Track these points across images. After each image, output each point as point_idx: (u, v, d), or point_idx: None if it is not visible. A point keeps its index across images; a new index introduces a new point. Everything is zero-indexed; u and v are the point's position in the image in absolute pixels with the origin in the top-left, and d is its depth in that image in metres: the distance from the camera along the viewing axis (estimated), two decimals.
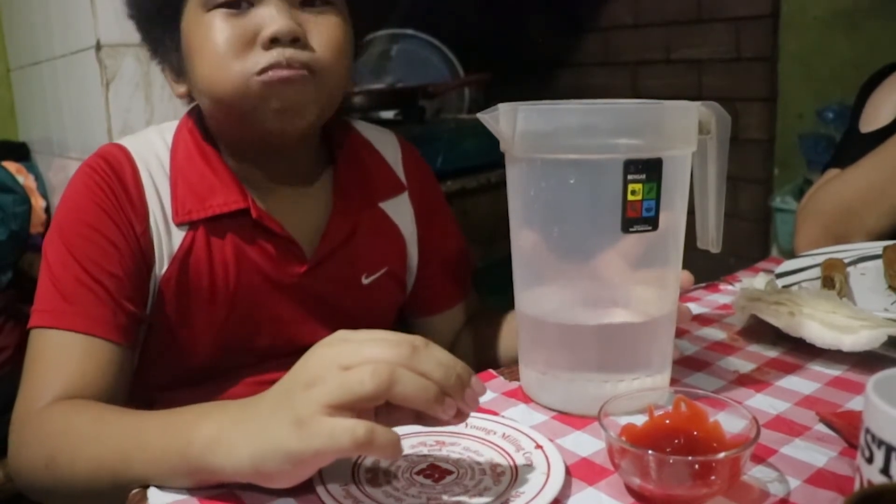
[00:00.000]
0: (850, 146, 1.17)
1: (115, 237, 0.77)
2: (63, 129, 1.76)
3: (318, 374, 0.51)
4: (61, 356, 0.73)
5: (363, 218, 0.90)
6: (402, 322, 1.03)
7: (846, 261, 0.95)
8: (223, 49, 0.74)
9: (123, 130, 1.41)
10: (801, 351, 0.77)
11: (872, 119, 1.17)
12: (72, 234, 0.77)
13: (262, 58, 0.74)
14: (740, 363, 0.77)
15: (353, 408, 0.49)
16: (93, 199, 0.78)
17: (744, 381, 0.73)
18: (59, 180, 1.89)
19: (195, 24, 0.77)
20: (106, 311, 0.75)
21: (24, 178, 1.94)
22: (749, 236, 2.19)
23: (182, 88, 0.83)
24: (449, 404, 0.51)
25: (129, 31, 1.37)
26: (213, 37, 0.75)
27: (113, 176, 0.79)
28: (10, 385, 1.55)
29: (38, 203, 1.94)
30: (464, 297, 1.02)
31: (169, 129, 0.86)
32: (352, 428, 0.48)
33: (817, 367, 0.75)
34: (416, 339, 0.52)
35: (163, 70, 0.85)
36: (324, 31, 0.77)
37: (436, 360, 0.51)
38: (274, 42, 0.74)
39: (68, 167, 1.77)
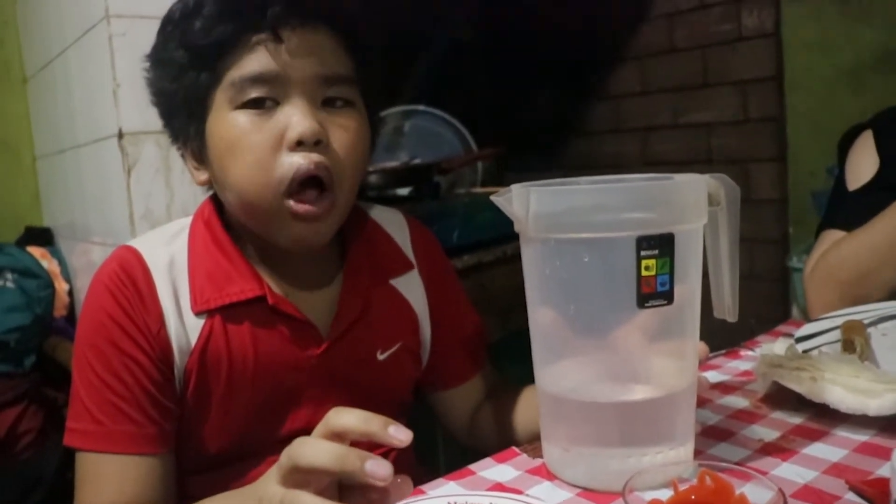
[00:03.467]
0: (842, 205, 1.18)
1: (135, 352, 0.80)
2: (86, 214, 1.80)
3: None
4: (100, 478, 0.78)
5: (374, 295, 0.92)
6: (419, 398, 1.03)
7: (866, 322, 0.95)
8: (254, 155, 0.77)
9: (145, 215, 1.44)
10: (826, 416, 0.77)
11: (856, 177, 1.19)
12: (95, 353, 0.80)
13: (288, 161, 0.77)
14: (764, 431, 0.77)
15: (296, 482, 0.57)
16: (109, 314, 0.80)
17: (769, 449, 0.72)
18: (82, 264, 1.92)
19: (221, 120, 0.79)
20: (138, 427, 0.79)
21: (48, 263, 1.98)
22: (767, 297, 2.17)
23: (203, 176, 0.86)
24: (369, 462, 0.55)
25: (149, 119, 1.43)
26: (243, 140, 0.78)
27: (127, 281, 0.81)
28: (36, 468, 1.57)
29: (62, 287, 1.97)
30: (479, 371, 1.02)
31: (183, 225, 0.89)
32: (280, 493, 0.57)
33: (844, 433, 0.74)
34: (330, 410, 0.59)
35: (182, 156, 0.88)
36: (344, 134, 0.81)
37: (348, 413, 0.58)
38: (299, 145, 0.77)
39: (91, 251, 1.80)
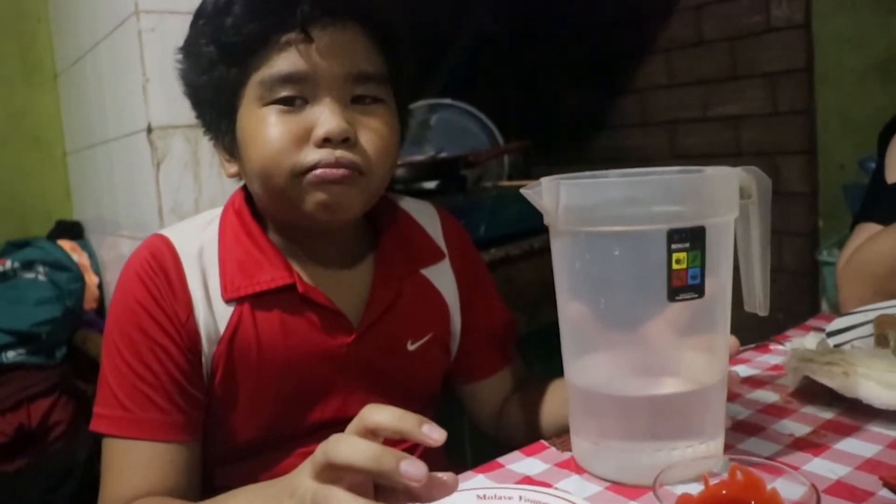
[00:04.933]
0: (881, 198, 1.16)
1: (164, 340, 0.80)
2: (115, 208, 1.82)
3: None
4: (126, 464, 0.79)
5: (406, 285, 0.92)
6: (447, 389, 1.03)
7: None
8: (277, 144, 0.78)
9: (173, 208, 1.45)
10: (859, 412, 0.76)
11: (895, 170, 1.16)
12: (124, 340, 0.81)
13: (313, 154, 0.77)
14: (795, 426, 0.76)
15: (330, 478, 0.56)
16: (139, 301, 0.81)
17: (800, 444, 0.72)
18: (112, 257, 1.94)
19: (251, 116, 0.80)
20: (164, 415, 0.80)
21: (79, 256, 2.00)
22: (796, 291, 2.15)
23: (233, 168, 0.86)
24: (404, 462, 0.53)
25: (178, 113, 1.45)
26: (268, 132, 0.78)
27: (157, 269, 0.82)
28: (66, 460, 1.59)
29: (92, 280, 2.00)
30: (508, 364, 1.02)
31: (214, 214, 0.90)
32: (313, 488, 0.56)
33: (877, 428, 0.73)
34: (365, 407, 0.58)
35: (215, 146, 0.89)
36: (373, 131, 0.81)
37: (382, 410, 0.56)
38: (326, 141, 0.77)
39: (120, 245, 1.82)
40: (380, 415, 0.56)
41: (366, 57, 0.82)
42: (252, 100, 0.80)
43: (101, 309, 2.02)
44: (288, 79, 0.78)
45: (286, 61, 0.78)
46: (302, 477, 0.58)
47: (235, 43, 0.79)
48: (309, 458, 0.58)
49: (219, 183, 1.48)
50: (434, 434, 0.55)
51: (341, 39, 0.79)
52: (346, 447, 0.54)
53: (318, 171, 0.78)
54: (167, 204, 1.46)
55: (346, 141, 0.78)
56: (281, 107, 0.79)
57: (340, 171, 0.78)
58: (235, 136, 0.83)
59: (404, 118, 0.89)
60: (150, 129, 1.44)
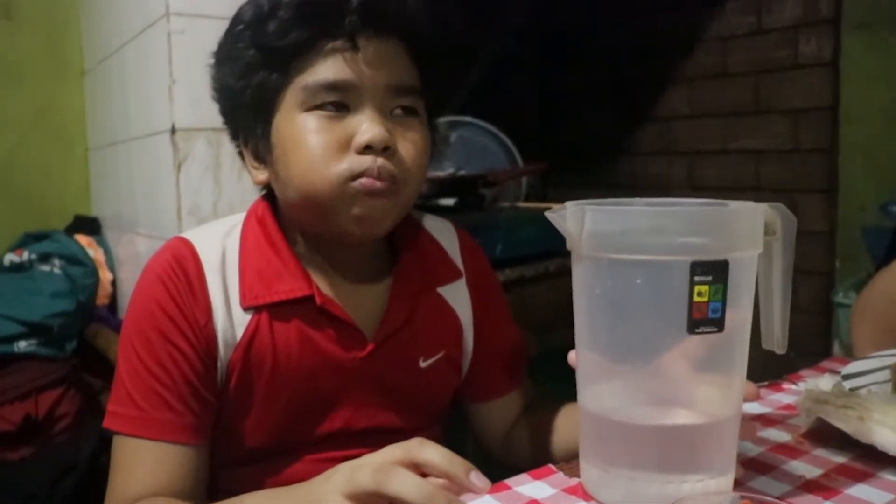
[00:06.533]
0: None
1: (181, 343, 0.81)
2: (134, 206, 1.83)
3: (335, 471, 0.61)
4: (136, 463, 0.79)
5: (421, 302, 0.92)
6: (456, 408, 1.03)
7: None
8: (320, 151, 0.78)
9: (192, 210, 1.46)
10: (872, 458, 0.75)
11: None
12: (141, 340, 0.81)
13: (356, 162, 0.78)
14: (806, 468, 0.75)
15: (360, 499, 0.57)
16: (160, 303, 0.82)
17: (811, 486, 0.71)
18: (127, 255, 1.95)
19: (290, 121, 0.80)
20: (177, 416, 0.80)
21: (94, 252, 2.02)
22: (809, 330, 2.14)
23: (262, 176, 0.86)
24: (452, 502, 0.55)
25: (202, 116, 1.45)
26: (310, 139, 0.79)
27: (179, 272, 0.83)
28: (70, 453, 1.59)
29: (106, 276, 2.01)
30: (518, 386, 1.02)
31: (236, 221, 0.90)
32: None
33: (890, 476, 0.72)
34: (414, 440, 0.60)
35: (240, 153, 0.89)
36: (410, 142, 0.82)
37: (435, 449, 0.58)
38: (367, 149, 0.78)
39: (136, 243, 1.83)
40: (431, 453, 0.57)
41: (406, 70, 0.83)
42: (293, 105, 0.80)
43: (113, 305, 2.03)
44: (333, 86, 0.79)
45: (331, 69, 0.79)
46: (331, 492, 0.58)
47: (280, 48, 0.79)
48: (339, 474, 0.59)
49: (238, 187, 1.49)
50: (479, 483, 0.57)
51: (385, 51, 0.80)
52: (400, 480, 0.55)
53: (364, 181, 0.78)
54: (186, 205, 1.47)
55: (386, 150, 0.79)
56: (323, 112, 0.79)
57: (383, 184, 0.79)
58: (270, 141, 0.83)
59: (434, 133, 0.90)
60: (173, 131, 1.45)
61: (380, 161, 0.78)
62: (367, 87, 0.79)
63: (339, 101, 0.79)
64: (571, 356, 0.70)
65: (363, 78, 0.79)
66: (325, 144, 0.78)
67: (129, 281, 1.96)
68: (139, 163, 1.75)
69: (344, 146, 0.79)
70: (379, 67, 0.80)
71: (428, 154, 0.86)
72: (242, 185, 1.48)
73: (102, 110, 2.09)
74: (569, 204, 0.64)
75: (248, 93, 0.82)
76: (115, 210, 2.04)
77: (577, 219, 0.64)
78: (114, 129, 1.96)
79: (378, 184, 0.78)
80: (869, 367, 0.93)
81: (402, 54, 0.82)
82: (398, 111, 0.82)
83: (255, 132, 0.85)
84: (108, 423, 0.81)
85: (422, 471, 0.57)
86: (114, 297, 2.04)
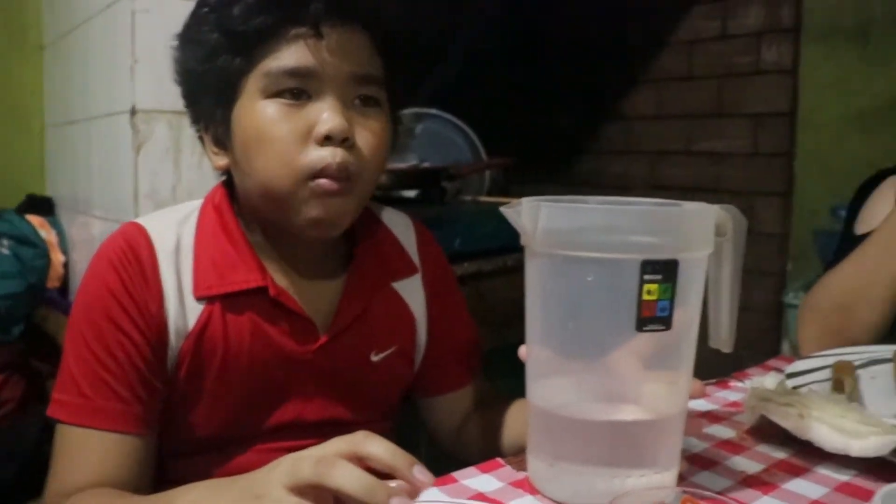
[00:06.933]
0: (846, 248, 1.18)
1: (131, 330, 0.79)
2: (90, 187, 1.79)
3: (279, 463, 0.59)
4: (80, 453, 0.77)
5: (376, 296, 0.92)
6: (409, 402, 1.03)
7: (856, 364, 0.95)
8: (280, 143, 0.78)
9: (149, 193, 1.44)
10: (810, 454, 0.77)
11: (868, 220, 1.19)
12: (90, 327, 0.80)
13: (315, 156, 0.77)
14: (748, 464, 0.77)
15: (302, 491, 0.56)
16: (111, 289, 0.80)
17: (751, 482, 0.73)
18: (81, 237, 1.92)
19: (251, 108, 0.80)
20: (124, 405, 0.78)
21: (47, 233, 1.97)
22: (761, 330, 2.18)
23: (222, 161, 0.85)
24: (393, 496, 0.55)
25: (163, 98, 1.43)
26: (271, 129, 0.78)
27: (132, 258, 0.81)
28: (13, 436, 1.56)
29: (58, 258, 1.96)
30: (471, 381, 1.02)
31: (193, 207, 0.89)
32: (290, 502, 0.56)
33: (825, 472, 0.75)
34: (359, 433, 0.59)
35: (200, 138, 0.88)
36: (370, 133, 0.81)
37: (379, 442, 0.57)
38: (327, 140, 0.77)
39: (91, 225, 1.80)
40: (374, 446, 0.57)
41: (370, 59, 0.82)
42: (254, 91, 0.79)
43: (64, 288, 1.99)
44: (295, 72, 0.78)
45: (294, 55, 0.78)
46: (272, 484, 0.57)
47: (243, 32, 0.78)
48: (281, 465, 0.58)
49: (198, 172, 1.47)
50: (423, 477, 0.56)
51: (349, 39, 0.80)
52: (343, 474, 0.55)
53: (322, 182, 0.78)
54: (144, 188, 1.44)
55: (345, 141, 0.78)
56: (284, 100, 0.79)
57: (339, 185, 0.78)
58: (230, 127, 0.82)
59: (395, 124, 0.89)
60: (133, 112, 1.42)
61: (339, 156, 0.78)
62: (328, 75, 0.79)
63: (300, 87, 0.78)
64: (522, 351, 0.71)
65: (325, 65, 0.78)
66: (285, 136, 0.78)
67: (82, 263, 1.92)
68: (97, 143, 1.72)
69: (304, 137, 0.78)
70: (342, 56, 0.79)
71: (388, 145, 0.85)
72: (202, 170, 1.46)
73: (62, 87, 2.05)
74: (524, 200, 0.65)
75: (211, 76, 0.81)
76: (71, 191, 2.00)
77: (532, 215, 0.64)
78: (73, 106, 1.92)
79: (335, 185, 0.78)
80: (812, 366, 0.96)
81: (366, 44, 0.82)
82: (360, 101, 0.82)
83: (215, 116, 0.83)
84: (52, 411, 0.79)
85: (366, 464, 0.57)
86: (66, 280, 1.99)
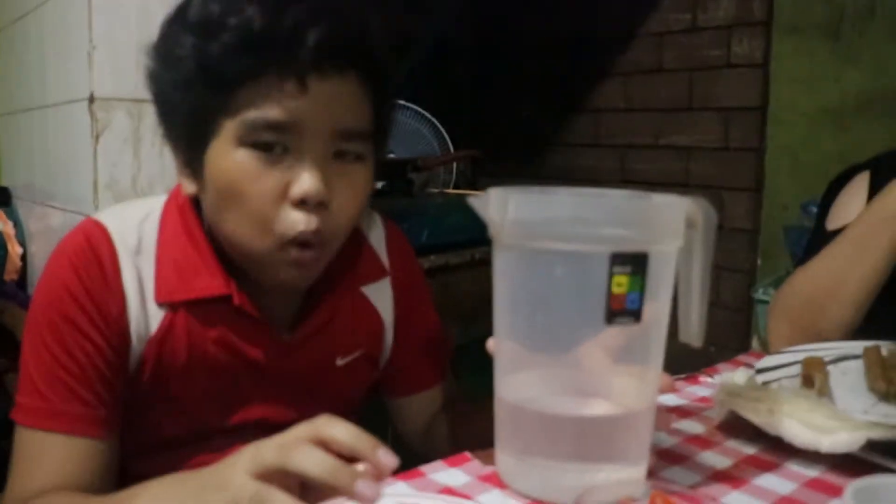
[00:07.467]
0: (818, 244, 1.18)
1: (91, 332, 0.77)
2: (49, 177, 1.75)
3: (241, 452, 0.58)
4: (41, 456, 0.75)
5: (343, 302, 0.90)
6: (376, 402, 1.02)
7: (827, 360, 0.95)
8: (254, 203, 0.74)
9: (109, 184, 1.40)
10: (779, 449, 0.76)
11: (840, 216, 1.19)
12: (49, 327, 0.77)
13: (289, 222, 0.74)
14: (718, 459, 0.76)
15: (267, 477, 0.55)
16: (69, 290, 0.77)
17: (720, 477, 0.72)
18: (39, 228, 1.88)
19: (226, 153, 0.74)
20: (85, 408, 0.76)
21: (3, 225, 1.93)
22: (730, 326, 2.19)
23: (192, 189, 0.81)
24: (358, 478, 0.53)
25: (122, 85, 1.40)
26: (246, 185, 0.74)
27: (92, 258, 0.78)
28: None
29: (15, 250, 1.93)
30: (438, 382, 1.01)
31: (156, 205, 0.85)
32: (253, 488, 0.54)
33: (794, 467, 0.74)
34: (322, 417, 0.57)
35: (175, 155, 0.83)
36: (349, 192, 0.77)
37: (342, 426, 0.56)
38: (302, 203, 0.73)
39: (49, 216, 1.76)
40: (336, 430, 0.56)
41: (356, 111, 0.77)
42: (229, 137, 0.74)
43: (22, 281, 1.95)
44: (275, 126, 0.72)
45: (276, 108, 0.72)
46: (236, 473, 0.56)
47: (221, 73, 0.72)
48: (244, 455, 0.57)
49: (159, 162, 1.44)
50: (386, 460, 0.55)
51: (336, 90, 0.74)
52: (306, 457, 0.54)
53: (294, 253, 0.75)
54: (103, 178, 1.41)
55: (320, 204, 0.74)
56: (259, 153, 0.73)
57: (311, 253, 0.76)
58: (203, 164, 0.77)
59: (377, 172, 0.84)
60: (92, 99, 1.39)
61: (313, 223, 0.74)
62: (311, 130, 0.73)
63: (277, 140, 0.73)
64: (490, 343, 0.70)
65: (308, 120, 0.73)
66: (259, 196, 0.73)
67: (40, 255, 1.88)
68: (55, 132, 1.68)
69: (279, 196, 0.74)
70: (326, 109, 0.73)
71: (366, 198, 0.81)
72: (163, 160, 1.43)
73: (17, 73, 2.00)
74: (492, 190, 0.63)
75: (185, 107, 0.76)
76: (28, 180, 1.96)
77: (499, 205, 0.63)
78: (29, 94, 1.87)
79: (307, 255, 0.76)
80: (782, 361, 0.96)
81: (355, 92, 0.76)
82: (342, 156, 0.77)
83: (190, 146, 0.78)
84: (14, 414, 0.77)
85: (331, 449, 0.55)
86: (24, 273, 1.95)
